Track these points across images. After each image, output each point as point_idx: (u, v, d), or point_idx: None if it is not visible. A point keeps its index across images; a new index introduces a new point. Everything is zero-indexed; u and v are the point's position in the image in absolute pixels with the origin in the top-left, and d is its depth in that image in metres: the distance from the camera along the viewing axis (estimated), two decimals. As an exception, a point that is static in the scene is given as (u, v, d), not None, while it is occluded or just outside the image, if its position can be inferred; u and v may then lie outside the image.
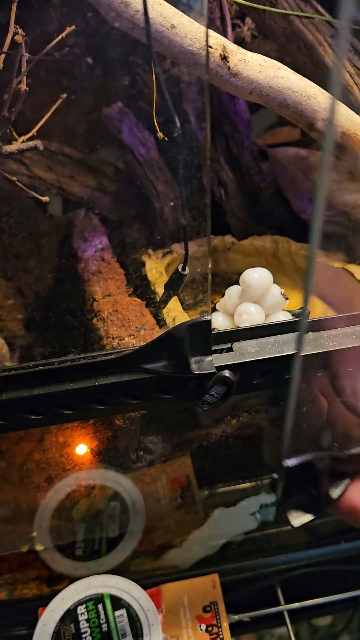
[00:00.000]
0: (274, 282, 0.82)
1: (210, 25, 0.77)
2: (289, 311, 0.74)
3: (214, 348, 0.54)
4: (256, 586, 0.88)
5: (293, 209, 0.82)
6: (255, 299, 0.69)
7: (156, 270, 0.76)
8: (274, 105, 0.48)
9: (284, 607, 0.85)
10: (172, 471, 0.90)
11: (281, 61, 0.67)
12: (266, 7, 0.60)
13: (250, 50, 0.77)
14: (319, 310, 0.77)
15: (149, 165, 0.79)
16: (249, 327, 0.55)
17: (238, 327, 0.55)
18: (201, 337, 0.51)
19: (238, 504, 0.80)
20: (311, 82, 0.48)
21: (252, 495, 0.79)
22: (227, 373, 0.53)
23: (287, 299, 0.71)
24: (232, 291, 0.71)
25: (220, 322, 0.71)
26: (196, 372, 0.51)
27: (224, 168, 0.79)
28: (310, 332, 0.56)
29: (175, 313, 0.67)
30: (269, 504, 0.81)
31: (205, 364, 0.52)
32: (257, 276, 0.68)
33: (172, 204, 0.80)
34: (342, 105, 0.49)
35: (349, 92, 0.63)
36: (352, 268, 0.72)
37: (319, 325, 0.56)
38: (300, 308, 0.75)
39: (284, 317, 0.71)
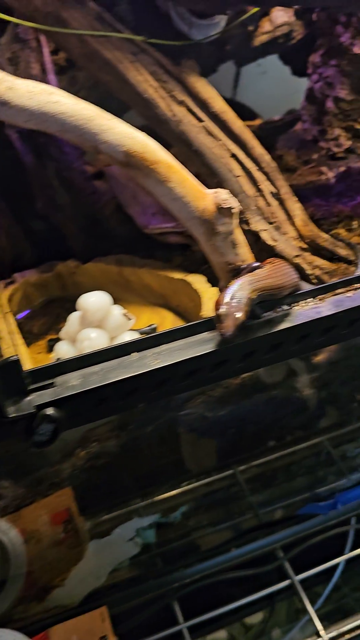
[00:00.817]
0: (123, 301, 0.81)
1: (25, 47, 0.75)
2: (137, 330, 0.73)
3: (36, 385, 0.52)
4: (153, 609, 0.86)
5: (137, 224, 0.81)
6: (96, 323, 0.68)
7: (-2, 303, 0.73)
8: (56, 132, 0.47)
9: (182, 625, 0.83)
10: (53, 506, 0.86)
11: (95, 83, 0.66)
12: (46, 27, 0.59)
13: (68, 76, 0.76)
14: (169, 321, 0.76)
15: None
16: (69, 359, 0.53)
17: (58, 359, 0.53)
18: (12, 378, 0.48)
19: (112, 532, 0.78)
20: (88, 105, 0.47)
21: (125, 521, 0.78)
22: (49, 411, 0.51)
23: (130, 319, 0.70)
24: (73, 318, 0.69)
25: (65, 350, 0.69)
26: (12, 415, 0.48)
27: (57, 191, 0.77)
28: (134, 353, 0.54)
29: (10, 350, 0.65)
30: (146, 527, 0.80)
31: (23, 404, 0.49)
32: (93, 300, 0.67)
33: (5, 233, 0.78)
34: (123, 123, 0.48)
35: (154, 105, 0.63)
36: (190, 278, 0.72)
37: (148, 343, 0.55)
38: (149, 325, 0.74)
39: (129, 337, 0.70)
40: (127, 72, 0.61)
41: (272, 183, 0.68)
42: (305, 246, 0.70)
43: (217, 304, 0.47)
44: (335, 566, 0.84)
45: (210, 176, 0.66)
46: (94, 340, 0.66)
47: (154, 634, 0.83)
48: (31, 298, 0.78)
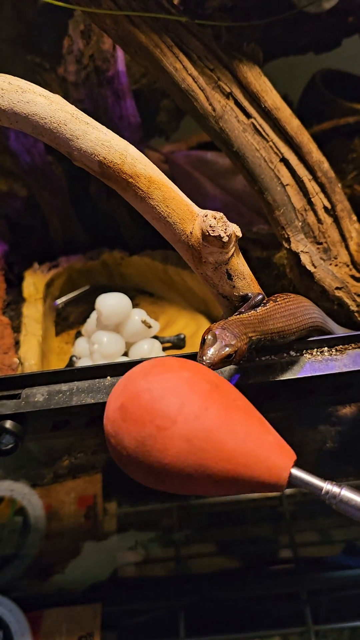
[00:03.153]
0: (165, 300, 0.76)
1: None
2: (159, 337, 0.68)
3: (4, 393, 0.50)
4: (155, 616, 0.84)
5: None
6: (112, 327, 0.64)
7: (34, 286, 0.72)
8: (31, 133, 0.42)
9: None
10: (80, 489, 0.87)
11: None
12: (74, 6, 0.53)
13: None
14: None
15: (34, 173, 0.74)
16: (41, 372, 0.50)
17: (31, 372, 0.50)
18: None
19: (109, 538, 0.76)
20: (65, 106, 0.42)
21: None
22: (7, 424, 0.49)
23: (149, 326, 0.65)
24: (93, 316, 0.66)
25: (82, 348, 0.66)
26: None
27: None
28: (109, 377, 0.50)
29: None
30: (148, 540, 0.76)
31: (-18, 414, 0.48)
32: (110, 304, 0.63)
33: (58, 214, 0.75)
34: (100, 130, 0.42)
35: (192, 98, 0.56)
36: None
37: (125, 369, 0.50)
38: (176, 335, 0.69)
39: (148, 346, 0.65)
40: (163, 59, 0.54)
41: (328, 197, 0.58)
42: (358, 275, 0.59)
43: (208, 329, 0.41)
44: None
45: (252, 183, 0.57)
46: (105, 345, 0.62)
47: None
48: (76, 284, 0.76)
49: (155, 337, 0.67)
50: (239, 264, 0.46)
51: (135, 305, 0.75)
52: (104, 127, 0.42)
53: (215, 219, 0.43)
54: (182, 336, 0.67)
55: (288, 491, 0.85)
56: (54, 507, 0.87)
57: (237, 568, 0.85)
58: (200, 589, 0.85)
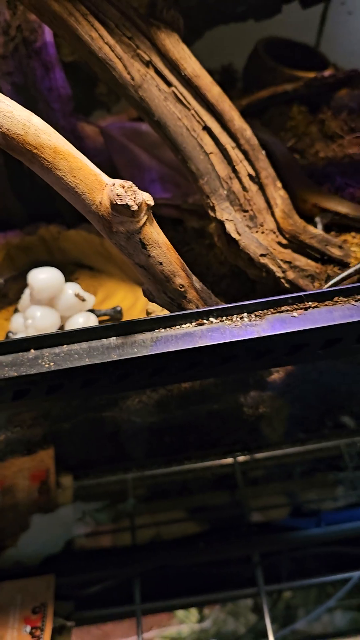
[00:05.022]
0: (104, 273, 0.76)
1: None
2: (95, 310, 0.68)
3: None
4: (112, 584, 0.85)
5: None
6: (46, 301, 0.64)
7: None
8: None
9: (138, 607, 0.82)
10: (34, 464, 0.87)
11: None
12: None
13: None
14: (142, 302, 0.70)
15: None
16: None
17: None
18: None
19: (56, 510, 0.77)
20: None
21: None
22: None
23: (83, 299, 0.65)
24: (26, 292, 0.66)
25: (17, 324, 0.66)
26: None
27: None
28: (32, 350, 0.50)
29: None
30: (99, 511, 0.77)
31: None
32: (41, 278, 0.63)
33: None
34: (1, 101, 0.42)
35: (109, 67, 0.55)
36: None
37: (50, 341, 0.50)
38: (113, 308, 0.69)
39: (83, 319, 0.65)
40: (78, 27, 0.53)
41: (252, 164, 0.58)
42: (285, 242, 0.59)
43: None
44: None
45: (175, 152, 0.57)
46: (38, 320, 0.62)
47: (108, 607, 0.83)
48: (15, 260, 0.76)
49: (92, 310, 0.67)
50: (153, 233, 0.46)
51: (75, 280, 0.75)
52: (6, 97, 0.42)
53: (123, 187, 0.43)
54: (118, 308, 0.68)
55: (241, 458, 0.87)
56: (7, 485, 0.88)
57: (192, 535, 0.87)
58: (155, 557, 0.86)
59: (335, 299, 0.50)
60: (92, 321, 0.64)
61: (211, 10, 0.90)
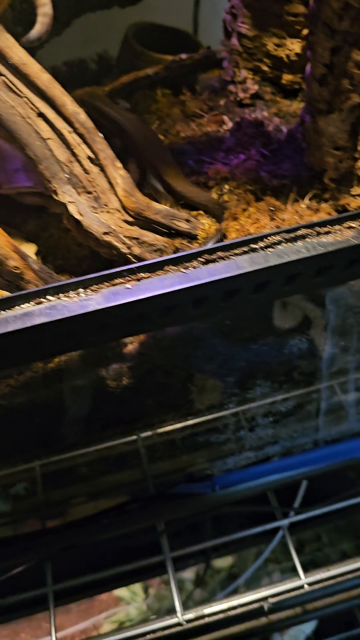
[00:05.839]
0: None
1: None
2: None
3: None
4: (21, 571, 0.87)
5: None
6: None
7: None
8: None
9: (50, 589, 0.84)
10: None
11: None
12: None
13: None
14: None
15: None
16: None
17: None
18: None
19: None
20: None
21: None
22: None
23: None
24: None
25: None
26: None
27: None
28: None
29: None
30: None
31: None
32: None
33: None
34: None
35: None
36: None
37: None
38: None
39: None
40: None
41: (89, 147, 0.60)
42: (130, 219, 0.62)
43: None
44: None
45: (12, 141, 0.59)
46: None
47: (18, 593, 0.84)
48: None
49: None
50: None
51: None
52: None
53: None
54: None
55: (143, 434, 0.90)
56: None
57: (98, 512, 0.89)
58: (63, 538, 0.88)
59: (166, 268, 0.53)
60: None
61: (74, -1, 0.91)
